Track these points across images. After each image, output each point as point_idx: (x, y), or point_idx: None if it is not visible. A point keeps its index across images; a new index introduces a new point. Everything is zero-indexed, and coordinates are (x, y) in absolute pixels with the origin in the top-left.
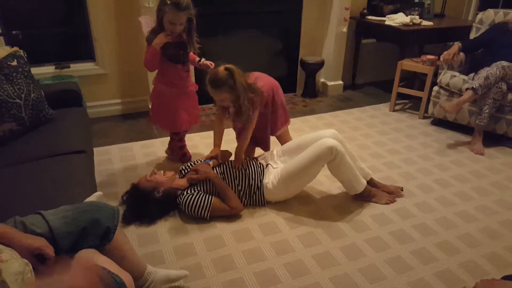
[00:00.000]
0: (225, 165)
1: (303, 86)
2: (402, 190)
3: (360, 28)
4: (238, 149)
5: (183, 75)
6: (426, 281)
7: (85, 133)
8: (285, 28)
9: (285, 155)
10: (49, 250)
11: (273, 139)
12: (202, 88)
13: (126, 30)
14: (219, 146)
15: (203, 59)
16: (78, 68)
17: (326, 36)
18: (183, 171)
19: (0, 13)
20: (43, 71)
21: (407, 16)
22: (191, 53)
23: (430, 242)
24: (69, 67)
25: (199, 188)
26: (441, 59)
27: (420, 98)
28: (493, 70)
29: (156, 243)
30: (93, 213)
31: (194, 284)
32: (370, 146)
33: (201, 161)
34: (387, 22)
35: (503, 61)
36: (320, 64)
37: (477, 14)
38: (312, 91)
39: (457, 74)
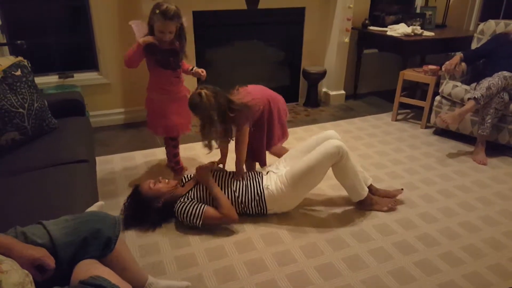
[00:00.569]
0: (224, 174)
1: (305, 96)
2: (402, 190)
3: (362, 39)
4: (236, 162)
5: (174, 81)
6: None
7: (88, 143)
8: (288, 38)
9: (287, 161)
10: (50, 261)
11: (273, 158)
12: None
13: (129, 41)
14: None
15: (195, 67)
16: (82, 78)
17: (328, 46)
18: (183, 180)
19: (5, 23)
20: (47, 81)
21: (408, 26)
22: (184, 62)
23: (433, 253)
24: (72, 76)
25: (193, 197)
26: (443, 69)
27: (422, 108)
28: (495, 80)
29: (157, 253)
30: (94, 223)
31: None
32: (372, 156)
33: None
34: (389, 33)
35: (505, 71)
36: (322, 74)
37: (478, 24)
38: (314, 100)
39: (459, 84)
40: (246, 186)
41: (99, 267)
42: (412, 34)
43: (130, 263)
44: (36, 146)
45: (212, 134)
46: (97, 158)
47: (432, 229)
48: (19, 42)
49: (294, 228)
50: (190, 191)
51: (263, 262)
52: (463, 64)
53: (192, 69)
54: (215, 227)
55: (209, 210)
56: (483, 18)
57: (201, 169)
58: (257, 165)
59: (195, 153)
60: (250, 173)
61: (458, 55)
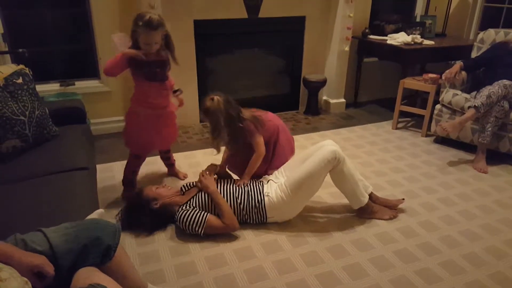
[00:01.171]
0: (226, 181)
1: (305, 104)
2: (403, 200)
3: (362, 47)
4: (246, 171)
5: (162, 93)
6: None
7: (89, 150)
8: (288, 47)
9: (286, 171)
10: (49, 268)
11: None
12: None
13: None
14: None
15: (178, 93)
16: (83, 86)
17: (328, 55)
18: (183, 189)
19: (7, 31)
20: (48, 88)
21: (408, 35)
22: (170, 80)
23: (434, 261)
24: (73, 84)
25: (195, 204)
26: (443, 77)
27: (422, 116)
28: (495, 88)
29: (157, 261)
30: (94, 231)
31: None
32: (373, 164)
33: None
34: (388, 41)
35: (505, 80)
36: (323, 82)
37: (478, 33)
38: (314, 108)
39: (459, 92)
40: (248, 193)
41: (98, 275)
42: (412, 43)
43: (130, 271)
44: (37, 153)
45: (220, 139)
46: (98, 166)
47: (433, 238)
48: (21, 50)
49: (294, 236)
50: (192, 199)
51: (264, 270)
52: (463, 72)
53: (176, 92)
54: (215, 235)
55: (211, 218)
56: (483, 27)
57: (206, 178)
58: None
59: (196, 161)
60: (251, 181)
61: (458, 64)
